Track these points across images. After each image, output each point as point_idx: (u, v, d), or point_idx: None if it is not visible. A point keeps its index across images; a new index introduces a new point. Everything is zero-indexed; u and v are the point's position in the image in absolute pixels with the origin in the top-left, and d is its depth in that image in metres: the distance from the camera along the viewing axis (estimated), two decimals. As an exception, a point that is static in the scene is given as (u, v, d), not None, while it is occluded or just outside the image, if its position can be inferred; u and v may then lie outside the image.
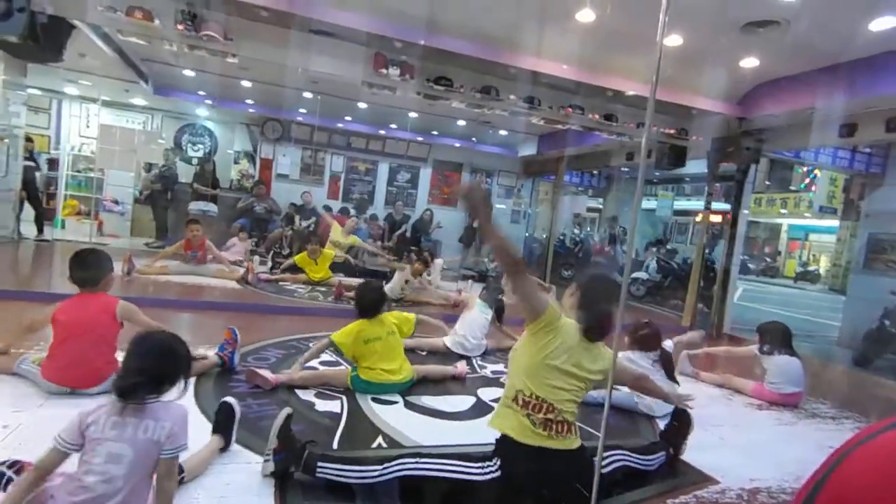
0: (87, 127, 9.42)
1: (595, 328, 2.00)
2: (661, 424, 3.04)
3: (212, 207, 8.84)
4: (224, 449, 2.16)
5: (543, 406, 1.92)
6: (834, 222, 16.71)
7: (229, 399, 2.27)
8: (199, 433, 2.17)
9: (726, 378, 4.17)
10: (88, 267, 2.63)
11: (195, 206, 8.61)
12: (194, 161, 9.76)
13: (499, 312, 4.45)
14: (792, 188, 18.25)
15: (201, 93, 8.53)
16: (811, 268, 19.93)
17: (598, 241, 8.40)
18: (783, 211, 18.81)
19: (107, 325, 2.58)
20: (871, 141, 6.22)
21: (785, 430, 3.43)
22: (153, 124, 9.77)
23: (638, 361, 3.29)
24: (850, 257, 12.03)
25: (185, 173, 9.25)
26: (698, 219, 13.25)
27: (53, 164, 9.12)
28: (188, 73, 7.02)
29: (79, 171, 9.32)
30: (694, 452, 2.69)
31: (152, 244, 8.38)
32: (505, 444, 1.95)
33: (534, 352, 1.98)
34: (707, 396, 3.85)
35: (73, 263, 2.61)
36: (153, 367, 1.61)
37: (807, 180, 17.52)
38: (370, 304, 3.13)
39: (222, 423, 2.19)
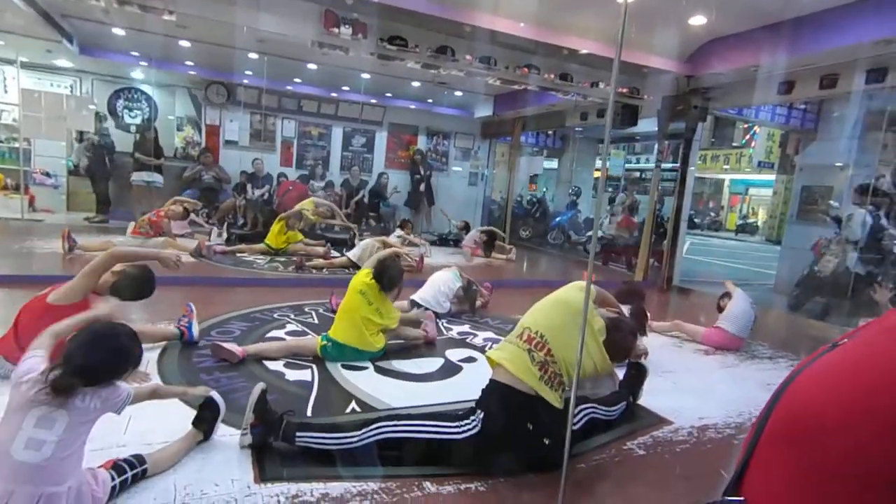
0: (6, 92, 8.60)
1: (616, 358, 2.39)
2: (619, 373, 3.23)
3: (156, 178, 8.36)
4: (203, 440, 2.06)
5: (545, 347, 2.02)
6: (771, 176, 17.66)
7: (215, 395, 2.13)
8: (169, 417, 2.16)
9: (676, 325, 4.45)
10: None
11: (138, 177, 8.13)
12: (132, 128, 9.13)
13: (469, 296, 4.56)
14: (734, 144, 19.07)
15: (135, 53, 7.89)
16: (750, 220, 21.12)
17: (622, 211, 7.84)
18: (726, 167, 19.68)
19: None
20: (806, 97, 6.53)
21: (729, 372, 3.72)
22: (82, 88, 9.01)
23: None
24: (784, 209, 12.81)
25: (123, 141, 8.66)
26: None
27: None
28: (118, 31, 6.47)
29: (0, 142, 8.56)
30: (650, 397, 2.90)
31: (93, 219, 7.92)
32: (490, 395, 2.04)
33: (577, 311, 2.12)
34: (659, 344, 4.11)
35: None
36: (98, 366, 1.57)
37: (747, 136, 18.33)
38: (384, 277, 3.19)
39: (206, 418, 2.07)
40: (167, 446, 1.93)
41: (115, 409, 1.64)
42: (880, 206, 5.52)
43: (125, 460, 1.76)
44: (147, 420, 2.13)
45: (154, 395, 1.94)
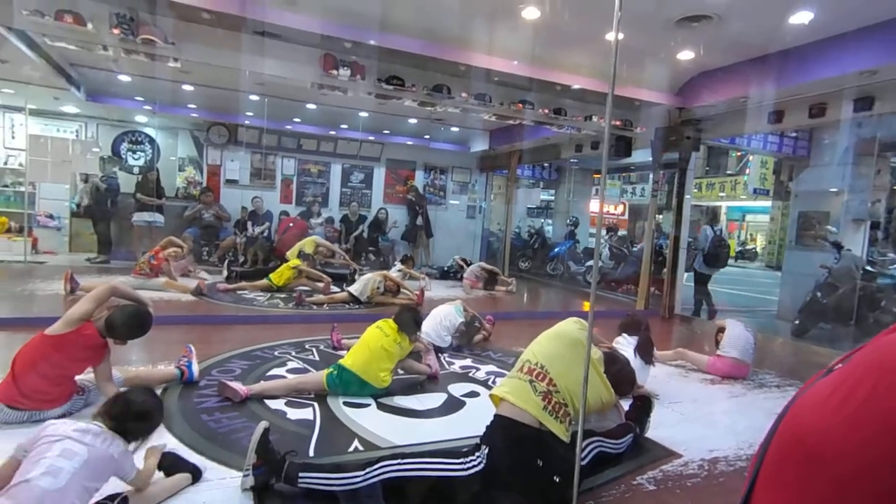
0: (13, 138, 8.78)
1: (620, 391, 2.52)
2: (625, 405, 3.19)
3: (157, 218, 8.44)
4: (196, 480, 2.04)
5: (546, 377, 2.02)
6: (767, 203, 17.82)
7: (167, 450, 2.08)
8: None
9: (679, 353, 4.41)
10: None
11: (139, 218, 8.21)
12: (135, 170, 9.29)
13: (469, 331, 4.55)
14: (728, 172, 19.31)
15: (139, 98, 8.11)
16: (749, 246, 21.16)
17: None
18: (721, 194, 19.85)
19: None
20: (796, 126, 6.68)
21: (737, 402, 3.67)
22: (87, 133, 9.20)
23: (624, 346, 3.51)
24: (783, 235, 12.88)
25: (126, 183, 8.79)
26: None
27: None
28: (124, 78, 6.67)
29: (6, 186, 8.68)
30: (657, 429, 2.85)
31: (94, 259, 7.95)
32: (495, 430, 2.01)
33: (579, 338, 2.18)
34: (665, 374, 4.06)
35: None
36: (130, 426, 1.82)
37: (741, 164, 18.59)
38: (403, 320, 3.30)
39: (172, 469, 2.02)
40: (155, 482, 1.93)
41: (121, 474, 1.76)
42: (716, 223, 7.27)
43: (108, 497, 1.74)
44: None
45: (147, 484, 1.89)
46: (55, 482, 1.50)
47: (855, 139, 7.20)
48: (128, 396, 1.91)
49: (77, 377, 2.61)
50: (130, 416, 1.83)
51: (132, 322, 2.63)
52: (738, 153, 16.62)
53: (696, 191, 17.84)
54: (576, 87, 5.80)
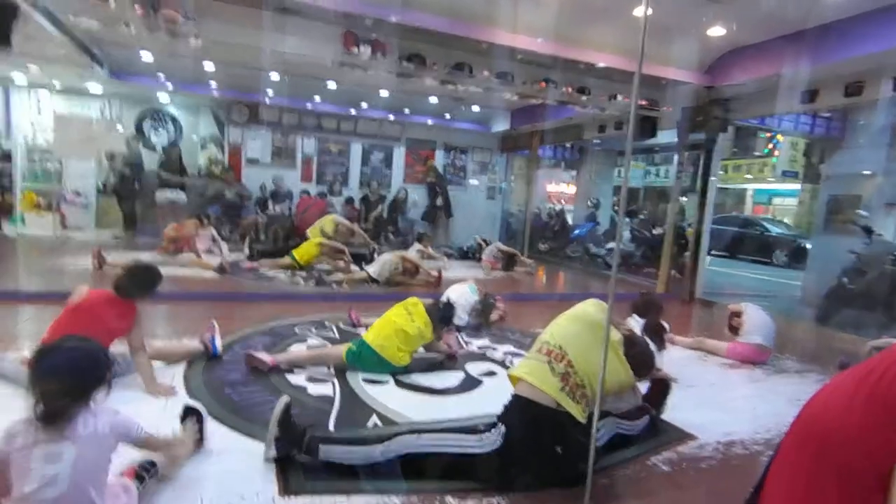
0: (40, 115, 8.98)
1: (639, 373, 2.45)
2: (642, 387, 3.18)
3: (180, 196, 8.60)
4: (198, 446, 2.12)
5: (565, 358, 2.03)
6: (796, 186, 17.29)
7: (192, 404, 2.21)
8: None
9: (698, 341, 4.36)
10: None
11: (162, 195, 8.38)
12: (158, 148, 9.44)
13: (485, 309, 4.55)
14: (756, 154, 18.75)
15: (161, 76, 8.19)
16: (775, 230, 20.62)
17: None
18: (748, 176, 19.33)
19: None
20: (831, 106, 6.41)
21: (756, 387, 3.63)
22: (111, 111, 9.35)
23: (635, 327, 3.47)
24: (810, 219, 12.52)
25: (148, 160, 8.96)
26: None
27: (5, 156, 8.68)
28: (147, 56, 6.73)
29: (34, 163, 8.92)
30: (674, 412, 2.84)
31: (120, 236, 8.15)
32: (512, 409, 2.04)
33: (599, 320, 2.15)
34: (684, 358, 4.03)
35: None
36: (77, 384, 1.50)
37: (770, 146, 18.02)
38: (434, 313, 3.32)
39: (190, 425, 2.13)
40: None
41: (127, 439, 1.66)
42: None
43: (142, 466, 1.80)
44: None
45: (167, 448, 1.91)
46: (56, 489, 1.40)
47: (892, 119, 6.91)
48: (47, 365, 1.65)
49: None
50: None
51: (136, 273, 2.72)
52: (767, 134, 16.09)
53: (722, 173, 17.41)
54: (601, 65, 5.66)
